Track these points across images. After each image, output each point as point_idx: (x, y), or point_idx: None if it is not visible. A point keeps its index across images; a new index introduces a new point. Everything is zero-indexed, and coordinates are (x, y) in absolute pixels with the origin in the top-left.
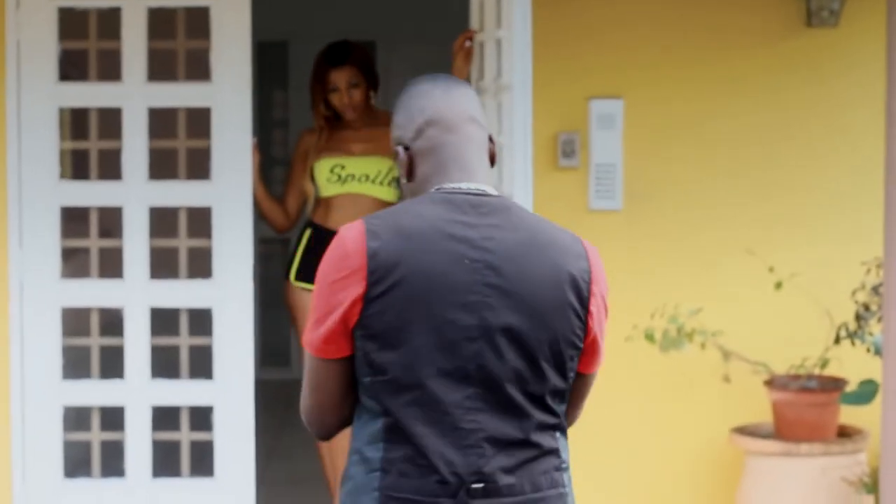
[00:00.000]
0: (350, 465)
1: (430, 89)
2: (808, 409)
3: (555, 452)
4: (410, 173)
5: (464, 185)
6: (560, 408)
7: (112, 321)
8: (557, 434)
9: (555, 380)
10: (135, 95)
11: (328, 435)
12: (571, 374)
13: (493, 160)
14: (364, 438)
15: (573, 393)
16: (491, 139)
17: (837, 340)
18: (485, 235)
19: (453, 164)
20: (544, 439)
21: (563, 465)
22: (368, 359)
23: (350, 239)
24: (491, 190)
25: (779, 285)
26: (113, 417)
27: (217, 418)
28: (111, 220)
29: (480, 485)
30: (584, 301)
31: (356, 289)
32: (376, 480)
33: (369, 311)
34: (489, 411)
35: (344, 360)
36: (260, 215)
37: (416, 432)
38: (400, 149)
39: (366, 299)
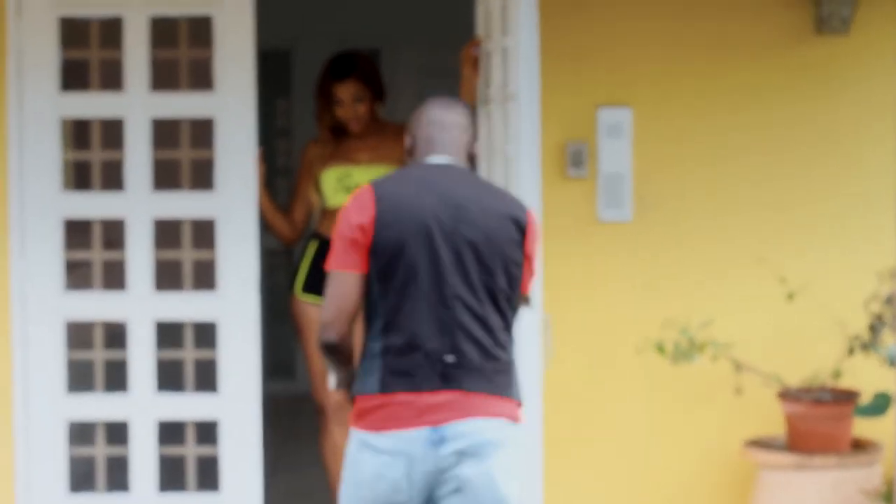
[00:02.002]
0: (360, 360)
1: (436, 104)
2: (821, 421)
3: (506, 347)
4: (411, 153)
5: (437, 159)
6: (509, 310)
7: (116, 334)
8: (508, 334)
9: (504, 285)
10: (137, 105)
11: (338, 336)
12: (516, 283)
13: (472, 160)
14: (370, 335)
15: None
16: (472, 145)
17: (851, 352)
18: (443, 184)
19: (434, 147)
20: (497, 328)
21: (511, 358)
22: (378, 271)
23: (364, 189)
24: (457, 162)
25: (791, 296)
26: (118, 431)
27: (223, 432)
28: (114, 232)
29: (453, 358)
30: (522, 230)
31: (368, 216)
32: (378, 361)
33: (377, 236)
34: (460, 307)
35: (361, 276)
36: (265, 227)
37: (409, 324)
38: (409, 137)
39: (376, 226)
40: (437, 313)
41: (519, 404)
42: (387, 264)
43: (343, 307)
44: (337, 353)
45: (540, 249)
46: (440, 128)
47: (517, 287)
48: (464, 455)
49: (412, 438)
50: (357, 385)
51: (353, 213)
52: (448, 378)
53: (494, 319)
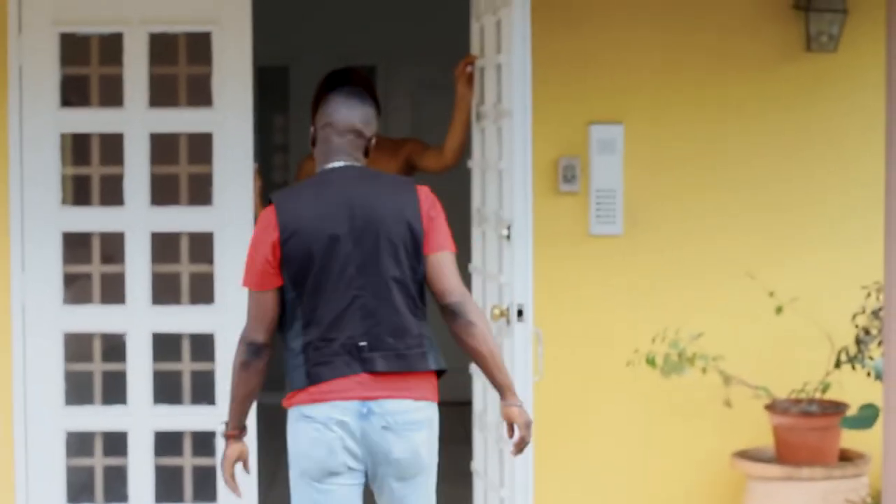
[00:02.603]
0: (285, 359)
1: (338, 102)
2: (809, 433)
3: (416, 324)
4: (313, 144)
5: (335, 164)
6: (414, 285)
7: (114, 346)
8: (418, 311)
9: (407, 265)
10: (136, 121)
11: (256, 350)
12: (421, 258)
13: (367, 153)
14: (290, 337)
15: (441, 270)
16: (370, 140)
17: (838, 364)
18: (339, 186)
19: (333, 154)
20: (407, 313)
21: (425, 332)
22: (291, 279)
23: (268, 210)
24: (353, 163)
25: (779, 310)
26: (116, 442)
27: (219, 443)
28: (113, 246)
29: (365, 343)
30: (416, 211)
31: (274, 235)
32: (301, 357)
33: (285, 249)
34: (371, 296)
35: (276, 290)
36: None
37: (324, 319)
38: (312, 127)
39: (281, 241)
40: (349, 305)
41: (436, 374)
42: (298, 272)
43: (264, 320)
44: (259, 356)
45: (530, 259)
46: (337, 133)
47: (422, 261)
48: (388, 430)
49: (343, 407)
50: (287, 382)
51: (262, 233)
52: (365, 361)
53: (403, 299)
